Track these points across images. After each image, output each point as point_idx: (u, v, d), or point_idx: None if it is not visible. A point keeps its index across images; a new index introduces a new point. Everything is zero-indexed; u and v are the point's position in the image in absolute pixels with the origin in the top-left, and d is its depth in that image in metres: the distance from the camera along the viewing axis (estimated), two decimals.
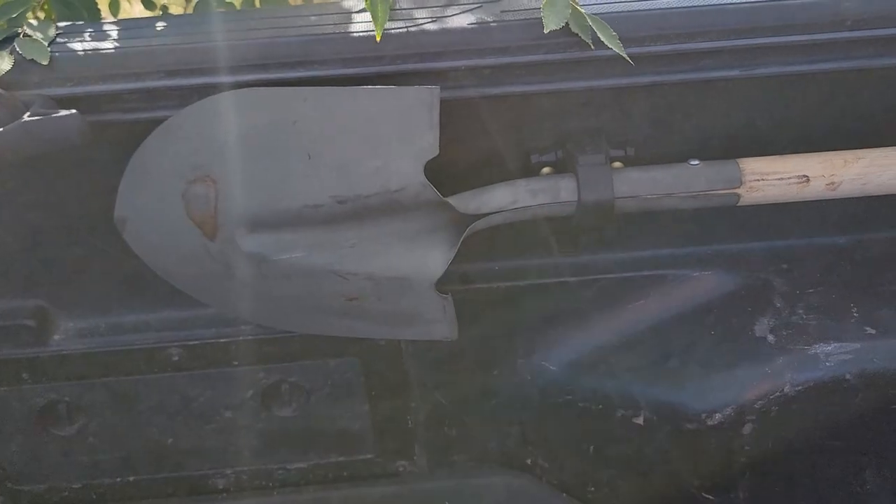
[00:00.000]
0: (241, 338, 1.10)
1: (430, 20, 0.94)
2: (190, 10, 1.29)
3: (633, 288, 1.11)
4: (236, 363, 1.12)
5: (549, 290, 1.12)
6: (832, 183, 0.97)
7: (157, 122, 0.92)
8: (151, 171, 0.93)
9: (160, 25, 0.95)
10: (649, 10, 0.94)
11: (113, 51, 0.92)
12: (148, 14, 1.51)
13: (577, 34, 0.90)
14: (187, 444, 1.18)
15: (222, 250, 0.94)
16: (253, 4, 1.30)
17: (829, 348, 0.99)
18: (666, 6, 0.93)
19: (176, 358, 1.11)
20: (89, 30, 0.96)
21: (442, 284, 0.98)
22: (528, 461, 1.21)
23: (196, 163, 0.91)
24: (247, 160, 0.90)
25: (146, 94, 0.92)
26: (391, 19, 0.94)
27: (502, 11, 0.95)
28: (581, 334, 1.12)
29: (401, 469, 1.23)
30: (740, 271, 1.10)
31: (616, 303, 1.11)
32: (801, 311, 1.04)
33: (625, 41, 0.91)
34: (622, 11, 0.93)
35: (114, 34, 0.94)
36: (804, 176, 0.97)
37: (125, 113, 0.93)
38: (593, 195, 0.95)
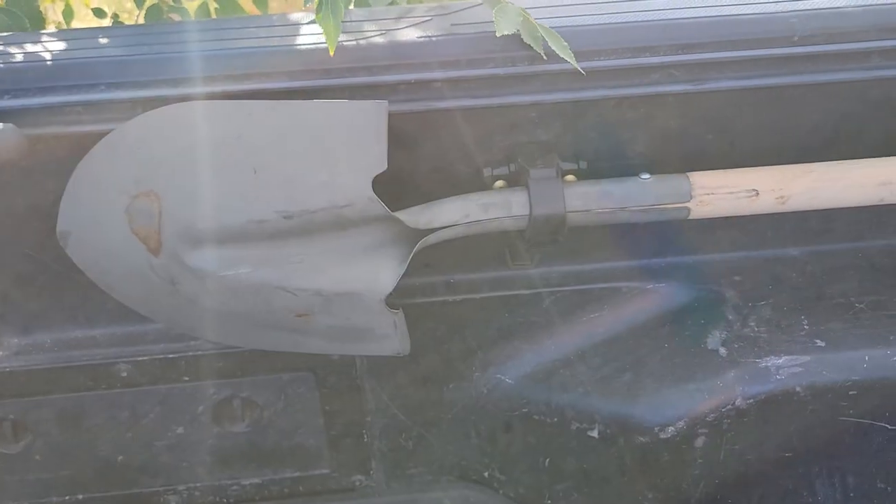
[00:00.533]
0: (190, 353, 1.09)
1: (379, 33, 0.93)
2: (141, 20, 1.27)
3: (587, 301, 1.11)
4: (187, 378, 1.10)
5: (504, 303, 1.12)
6: (782, 197, 0.97)
7: (100, 135, 0.90)
8: (94, 186, 0.91)
9: (103, 36, 0.93)
10: (599, 24, 0.94)
11: (52, 62, 0.90)
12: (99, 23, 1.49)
13: (528, 46, 0.89)
14: (138, 462, 1.16)
15: (167, 266, 0.92)
16: (208, 14, 1.28)
17: (780, 361, 1.00)
18: (616, 21, 0.93)
19: (124, 374, 1.09)
20: (29, 40, 0.93)
21: (395, 299, 0.97)
22: (486, 474, 1.20)
23: (139, 177, 0.89)
24: (191, 174, 0.89)
25: (87, 107, 0.90)
26: (341, 31, 0.93)
27: (452, 25, 0.95)
28: (536, 347, 1.12)
29: (357, 483, 1.21)
30: (693, 284, 1.11)
31: (570, 316, 1.11)
32: (752, 324, 1.05)
33: (575, 55, 0.90)
34: (572, 26, 0.93)
35: (54, 45, 0.92)
36: (754, 190, 0.97)
37: (66, 126, 0.91)
38: (545, 209, 0.95)
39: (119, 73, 0.89)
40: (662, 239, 1.11)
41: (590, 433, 1.08)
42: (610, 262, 1.12)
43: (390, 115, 0.89)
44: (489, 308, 1.12)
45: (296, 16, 0.98)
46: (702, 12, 0.94)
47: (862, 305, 1.05)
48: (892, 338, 1.00)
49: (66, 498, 1.17)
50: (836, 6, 0.95)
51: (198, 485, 1.19)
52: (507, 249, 1.10)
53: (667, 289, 1.11)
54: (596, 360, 1.09)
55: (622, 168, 1.02)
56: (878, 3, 0.94)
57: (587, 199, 0.96)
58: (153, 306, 0.98)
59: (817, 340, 1.02)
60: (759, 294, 1.08)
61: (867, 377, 0.99)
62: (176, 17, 1.25)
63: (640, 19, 0.93)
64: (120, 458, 1.16)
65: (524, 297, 1.12)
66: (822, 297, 1.07)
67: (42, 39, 0.94)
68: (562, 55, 0.88)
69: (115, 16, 1.50)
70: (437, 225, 0.94)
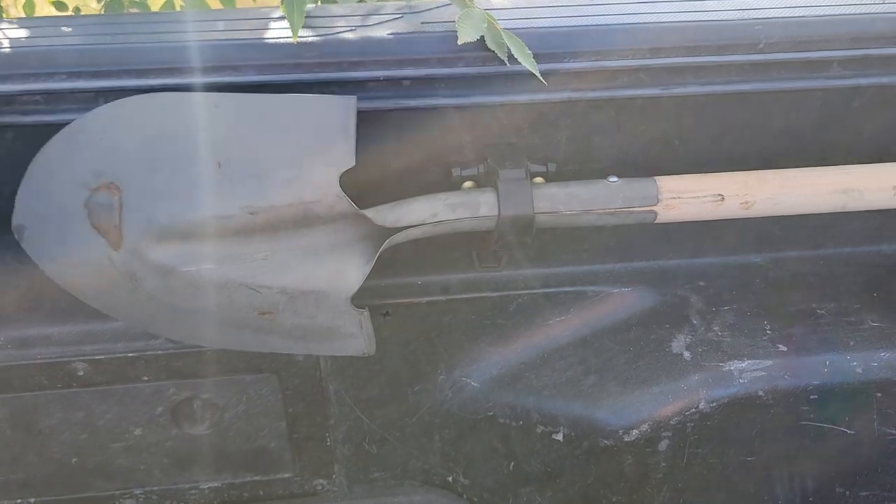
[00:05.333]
0: (150, 352, 1.06)
1: (349, 29, 0.92)
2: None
3: (553, 304, 1.11)
4: (146, 378, 1.08)
5: (471, 305, 1.11)
6: (746, 202, 0.99)
7: (59, 126, 0.88)
8: (52, 178, 0.88)
9: (64, 25, 0.91)
10: (568, 27, 0.94)
11: (10, 50, 0.87)
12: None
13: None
14: (93, 464, 1.13)
15: (127, 261, 0.90)
16: (173, 7, 1.26)
17: (743, 365, 1.01)
18: (583, 24, 0.94)
19: (81, 373, 1.06)
20: None
21: (360, 299, 0.96)
22: (450, 478, 1.19)
23: (100, 169, 0.87)
24: (153, 167, 0.87)
25: (46, 97, 0.87)
26: (310, 27, 0.93)
27: (423, 23, 0.94)
28: (502, 350, 1.12)
29: (319, 488, 1.20)
30: (659, 288, 1.11)
31: (537, 319, 1.11)
32: (716, 329, 1.06)
33: (543, 57, 0.91)
34: (540, 28, 0.93)
35: (13, 33, 0.90)
36: (719, 195, 0.98)
37: (24, 115, 0.88)
38: (513, 210, 0.95)
39: (80, 63, 0.87)
40: (629, 243, 1.12)
41: (555, 436, 1.08)
42: (577, 266, 1.12)
43: (359, 113, 0.88)
44: (455, 310, 1.11)
45: (264, 10, 0.97)
46: (669, 17, 0.95)
47: (823, 311, 1.07)
48: (851, 343, 1.02)
49: (18, 501, 1.14)
50: (799, 16, 0.96)
51: (155, 488, 1.16)
52: (474, 251, 1.10)
53: (632, 293, 1.11)
54: (561, 363, 1.09)
55: (590, 171, 1.02)
56: (840, 13, 0.96)
57: (555, 201, 0.96)
58: (112, 303, 0.96)
59: (779, 345, 1.03)
60: (722, 299, 1.09)
61: (827, 382, 1.01)
62: (136, 12, 1.23)
63: (608, 23, 0.94)
64: (74, 459, 1.12)
65: (491, 300, 1.11)
66: (784, 303, 1.09)
67: (1, 27, 0.91)
68: (523, 63, 0.88)
69: (77, 10, 1.47)
70: (404, 224, 0.93)
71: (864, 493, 1.09)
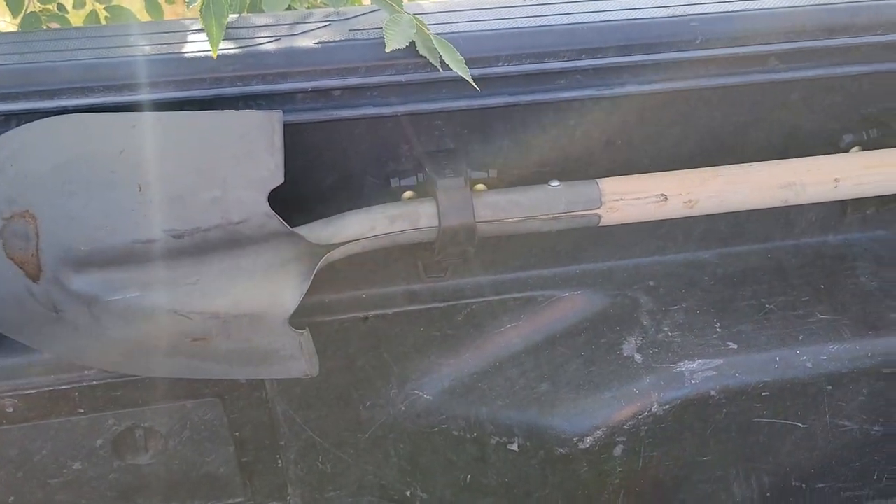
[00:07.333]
0: (84, 383, 1.02)
1: (274, 39, 0.89)
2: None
3: (503, 311, 1.09)
4: (81, 411, 1.03)
5: (419, 316, 1.08)
6: (689, 201, 0.97)
7: None
8: None
9: None
10: (502, 29, 0.92)
11: None
12: None
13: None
14: (32, 502, 1.08)
15: (48, 292, 0.85)
16: (98, 21, 1.20)
17: (694, 365, 1.00)
18: (517, 26, 0.91)
19: (10, 409, 1.01)
20: None
21: (303, 316, 0.92)
22: (408, 493, 1.16)
23: (12, 197, 0.83)
24: (69, 193, 0.82)
25: None
26: (233, 38, 0.89)
27: (351, 30, 0.91)
28: (453, 361, 1.09)
29: None
30: (608, 290, 1.10)
31: (487, 327, 1.09)
32: (666, 329, 1.04)
33: (478, 61, 0.88)
34: (473, 31, 0.90)
35: None
36: (662, 195, 0.96)
37: None
38: (454, 220, 0.92)
39: None
40: (577, 245, 1.10)
41: (510, 447, 1.06)
42: (525, 271, 1.10)
43: (288, 126, 0.85)
44: (403, 323, 1.08)
45: (185, 22, 0.92)
46: (604, 16, 0.93)
47: (772, 306, 1.06)
48: (801, 338, 1.02)
49: None
50: (735, 10, 0.95)
51: None
52: (419, 262, 1.07)
53: (582, 296, 1.09)
54: (513, 371, 1.07)
55: (533, 175, 1.00)
56: (775, 6, 0.95)
57: (497, 209, 0.94)
58: (36, 336, 0.91)
59: (730, 343, 1.02)
60: (672, 298, 1.08)
61: (778, 378, 1.00)
62: (55, 27, 1.17)
63: (541, 24, 0.91)
64: (11, 498, 1.07)
65: (439, 310, 1.09)
66: (733, 299, 1.08)
67: None
68: (455, 68, 0.85)
69: None
70: (340, 239, 0.90)
71: (820, 486, 1.09)
